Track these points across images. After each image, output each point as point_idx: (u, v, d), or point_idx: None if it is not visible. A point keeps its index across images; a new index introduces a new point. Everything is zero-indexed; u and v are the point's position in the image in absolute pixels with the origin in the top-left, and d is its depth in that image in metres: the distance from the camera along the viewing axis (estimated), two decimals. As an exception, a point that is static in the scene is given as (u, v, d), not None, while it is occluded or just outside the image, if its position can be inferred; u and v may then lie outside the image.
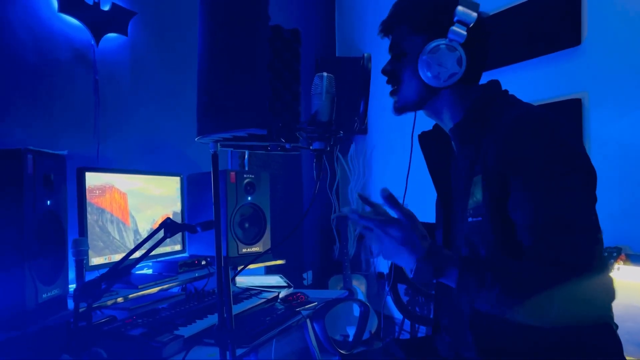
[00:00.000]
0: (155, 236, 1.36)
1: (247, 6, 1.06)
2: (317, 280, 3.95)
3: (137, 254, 1.34)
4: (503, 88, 1.33)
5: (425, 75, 1.22)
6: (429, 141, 1.43)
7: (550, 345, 1.12)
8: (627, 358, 2.33)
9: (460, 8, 1.17)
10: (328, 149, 1.24)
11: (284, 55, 1.36)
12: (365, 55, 1.24)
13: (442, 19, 1.20)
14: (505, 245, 1.12)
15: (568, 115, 2.68)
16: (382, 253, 1.12)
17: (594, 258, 1.01)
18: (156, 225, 2.17)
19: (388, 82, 1.34)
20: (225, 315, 1.22)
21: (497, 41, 2.98)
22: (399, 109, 1.34)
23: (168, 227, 1.23)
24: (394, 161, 3.79)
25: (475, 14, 1.19)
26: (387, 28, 1.32)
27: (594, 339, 1.15)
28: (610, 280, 1.05)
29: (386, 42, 1.35)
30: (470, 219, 1.19)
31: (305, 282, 3.83)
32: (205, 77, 1.10)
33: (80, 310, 1.25)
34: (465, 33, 1.18)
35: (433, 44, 1.20)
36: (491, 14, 3.08)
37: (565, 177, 1.05)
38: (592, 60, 2.66)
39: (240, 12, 1.06)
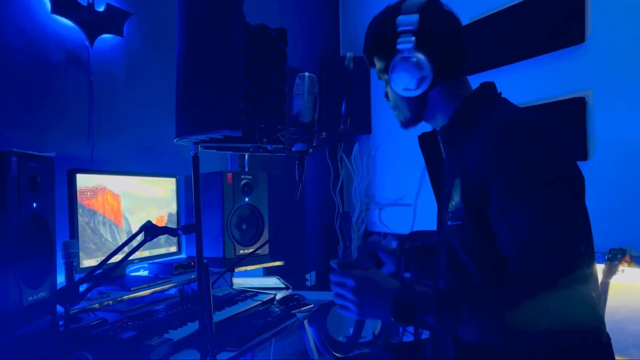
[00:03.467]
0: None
1: (221, 7, 1.04)
2: (321, 281, 3.92)
3: (120, 257, 1.33)
4: (506, 86, 1.31)
5: (401, 90, 1.25)
6: (427, 142, 1.42)
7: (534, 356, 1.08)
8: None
9: (399, 18, 1.20)
10: (310, 150, 1.22)
11: (270, 55, 1.33)
12: (348, 55, 1.21)
13: (389, 36, 1.23)
14: (484, 250, 1.10)
15: (572, 114, 2.63)
16: (356, 311, 1.16)
17: (566, 276, 0.99)
18: (150, 227, 2.17)
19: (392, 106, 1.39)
20: (205, 319, 1.20)
21: (500, 39, 2.95)
22: (404, 125, 1.38)
23: (148, 230, 1.21)
24: (398, 161, 3.75)
25: (415, 15, 1.19)
26: (368, 60, 1.37)
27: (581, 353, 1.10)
28: (589, 296, 1.03)
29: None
30: (449, 222, 1.18)
31: (308, 283, 3.80)
32: (181, 79, 1.09)
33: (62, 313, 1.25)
34: (412, 38, 1.19)
35: (392, 62, 1.23)
36: (493, 12, 3.06)
37: (543, 191, 1.02)
38: (596, 58, 2.61)
39: (213, 13, 1.04)
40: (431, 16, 1.21)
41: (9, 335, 1.37)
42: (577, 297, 1.00)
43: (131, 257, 1.93)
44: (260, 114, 1.23)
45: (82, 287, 1.27)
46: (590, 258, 1.06)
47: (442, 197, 1.29)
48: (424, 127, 1.45)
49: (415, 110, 1.31)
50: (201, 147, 1.23)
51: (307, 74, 1.21)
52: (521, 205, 1.03)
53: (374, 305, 1.14)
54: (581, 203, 1.09)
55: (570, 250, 1.01)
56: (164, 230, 1.22)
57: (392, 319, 1.10)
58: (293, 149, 1.21)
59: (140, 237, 1.26)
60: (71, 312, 1.62)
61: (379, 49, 1.29)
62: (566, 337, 1.00)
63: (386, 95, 1.38)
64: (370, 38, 1.31)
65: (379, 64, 1.31)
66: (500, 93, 1.29)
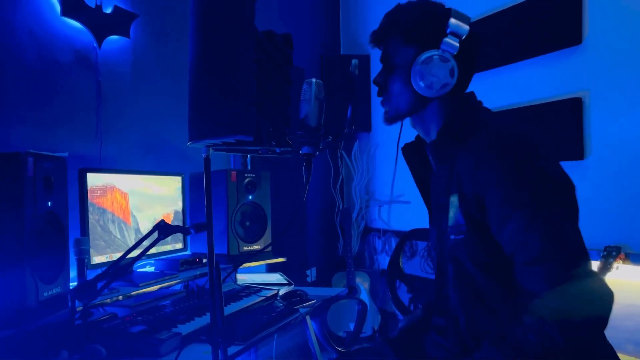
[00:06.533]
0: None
1: (233, 18, 1.09)
2: (321, 277, 3.98)
3: (134, 254, 1.38)
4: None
5: (418, 85, 1.24)
6: (412, 153, 1.45)
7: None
8: (628, 358, 2.34)
9: (453, 20, 1.20)
10: (317, 153, 1.27)
11: (276, 59, 1.38)
12: (354, 62, 1.27)
13: (435, 31, 1.22)
14: (490, 259, 1.16)
15: (569, 114, 2.68)
16: None
17: (556, 284, 1.04)
18: (157, 225, 2.22)
19: (380, 93, 1.35)
20: (216, 314, 1.25)
21: (498, 40, 3.00)
22: (390, 119, 1.35)
23: (161, 229, 1.27)
24: (398, 159, 3.81)
25: (467, 27, 1.21)
26: (378, 39, 1.34)
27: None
28: (586, 299, 1.05)
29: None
30: (452, 237, 1.22)
31: (308, 279, 3.86)
32: (195, 85, 1.14)
33: (78, 308, 1.30)
34: (457, 45, 1.20)
35: (426, 54, 1.22)
36: (492, 12, 3.10)
37: (535, 199, 1.07)
38: (593, 59, 2.65)
39: (226, 22, 1.09)
40: (475, 34, 1.25)
41: (26, 329, 1.43)
42: (578, 307, 1.03)
43: (137, 254, 2.00)
44: (267, 117, 1.28)
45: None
46: (587, 259, 1.09)
47: (437, 210, 1.32)
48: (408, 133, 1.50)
49: (413, 108, 1.30)
50: (212, 149, 1.28)
51: (314, 80, 1.26)
52: (516, 214, 1.07)
53: None
54: (573, 208, 1.12)
55: (566, 253, 1.05)
56: (177, 229, 1.28)
57: None
58: (300, 151, 1.27)
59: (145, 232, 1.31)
60: (79, 308, 1.67)
61: (415, 36, 1.26)
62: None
63: (378, 82, 1.35)
64: (411, 20, 1.27)
65: (402, 49, 1.28)
66: (481, 102, 1.32)
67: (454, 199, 1.20)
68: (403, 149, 1.45)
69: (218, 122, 1.09)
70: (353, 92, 1.27)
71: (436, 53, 1.21)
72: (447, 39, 1.20)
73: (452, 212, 1.21)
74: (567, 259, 1.05)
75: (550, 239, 1.05)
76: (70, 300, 1.23)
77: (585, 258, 1.07)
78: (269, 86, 1.33)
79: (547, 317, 1.02)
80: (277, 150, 1.30)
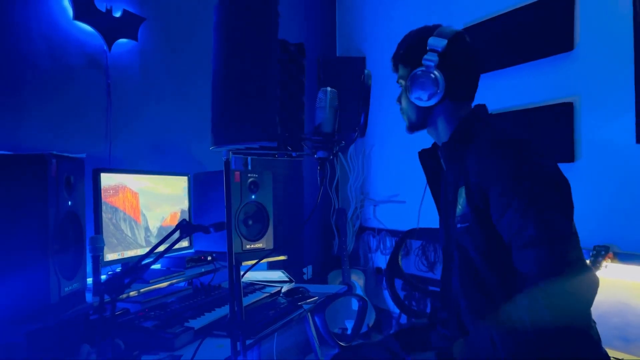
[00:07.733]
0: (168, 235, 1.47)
1: (259, 31, 1.16)
2: (317, 275, 4.06)
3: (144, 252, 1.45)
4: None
5: (413, 99, 1.43)
6: (426, 158, 1.61)
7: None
8: (616, 354, 2.44)
9: (430, 39, 1.37)
10: (331, 157, 1.35)
11: (290, 68, 1.46)
12: (366, 72, 1.35)
13: (417, 51, 1.40)
14: (491, 246, 1.28)
15: (560, 118, 2.77)
16: None
17: (547, 267, 1.14)
18: (165, 223, 2.29)
19: (401, 109, 1.56)
20: (236, 309, 1.33)
21: (492, 45, 3.09)
22: (409, 128, 1.55)
23: (184, 228, 1.34)
24: (392, 160, 3.90)
25: (444, 40, 1.37)
26: (393, 66, 1.54)
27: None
28: (575, 288, 1.14)
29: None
30: (459, 225, 1.34)
31: (305, 277, 3.94)
32: (220, 93, 1.21)
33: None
34: (436, 58, 1.36)
35: (413, 72, 1.40)
36: (486, 19, 3.19)
37: (531, 191, 1.19)
38: (584, 65, 2.73)
39: (252, 37, 1.16)
40: (458, 46, 1.39)
41: (51, 323, 1.49)
42: (565, 290, 1.13)
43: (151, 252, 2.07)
44: (284, 123, 1.36)
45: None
46: (577, 248, 1.19)
47: (446, 204, 1.46)
48: (425, 139, 1.61)
49: (419, 117, 1.48)
50: (232, 153, 1.36)
51: (329, 88, 1.35)
52: (514, 203, 1.19)
53: None
54: (567, 203, 1.24)
55: (556, 240, 1.16)
56: (198, 228, 1.35)
57: None
58: (315, 156, 1.36)
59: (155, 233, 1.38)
60: (95, 303, 1.74)
61: (406, 59, 1.46)
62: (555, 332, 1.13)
63: (399, 99, 1.54)
64: (402, 48, 1.49)
65: (402, 71, 1.49)
66: (491, 114, 1.48)
67: (461, 191, 1.34)
68: (420, 153, 1.61)
69: (244, 129, 1.16)
70: (366, 101, 1.38)
71: (419, 69, 1.39)
72: (426, 56, 1.38)
73: (460, 203, 1.34)
74: (557, 245, 1.15)
75: (543, 226, 1.16)
76: (99, 295, 1.29)
77: (576, 247, 1.18)
78: (284, 94, 1.41)
79: (538, 297, 1.13)
80: (294, 155, 1.38)
